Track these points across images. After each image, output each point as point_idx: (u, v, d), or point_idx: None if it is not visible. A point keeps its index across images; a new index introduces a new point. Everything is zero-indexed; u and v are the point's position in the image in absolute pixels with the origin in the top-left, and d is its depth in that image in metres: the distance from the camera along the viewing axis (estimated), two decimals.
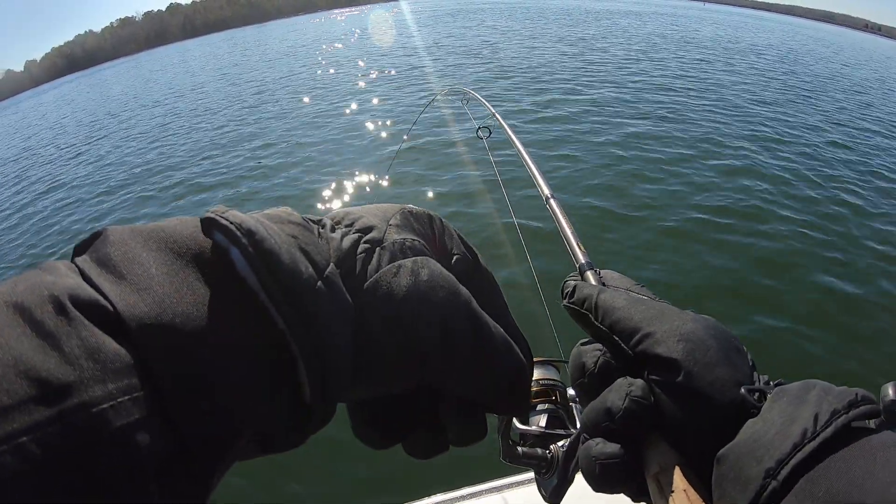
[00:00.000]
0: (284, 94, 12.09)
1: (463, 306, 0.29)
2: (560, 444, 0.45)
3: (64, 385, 0.17)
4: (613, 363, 0.33)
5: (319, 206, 5.64)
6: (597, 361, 0.33)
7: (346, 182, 6.03)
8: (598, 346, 0.34)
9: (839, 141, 7.27)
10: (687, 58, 14.12)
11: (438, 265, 0.29)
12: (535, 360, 0.36)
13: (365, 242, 0.28)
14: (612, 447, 0.30)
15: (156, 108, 13.88)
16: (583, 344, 0.35)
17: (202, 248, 0.23)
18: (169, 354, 0.20)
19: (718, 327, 0.31)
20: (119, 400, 0.18)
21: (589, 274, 0.42)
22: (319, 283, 0.24)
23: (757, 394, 0.28)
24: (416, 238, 0.30)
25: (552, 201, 0.61)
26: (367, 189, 5.92)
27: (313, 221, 0.29)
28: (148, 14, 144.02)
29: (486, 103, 1.33)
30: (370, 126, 8.18)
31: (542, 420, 0.48)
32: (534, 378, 0.49)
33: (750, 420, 0.27)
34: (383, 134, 7.78)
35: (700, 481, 0.28)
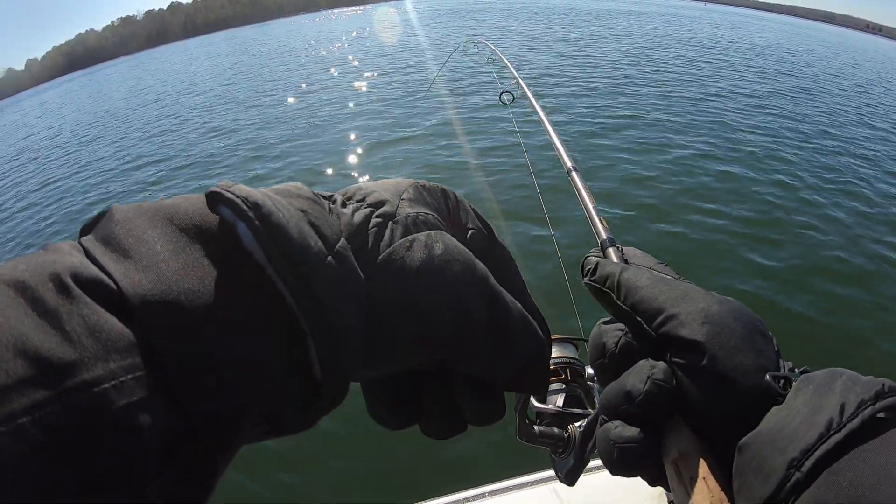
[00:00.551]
0: (320, 76, 12.08)
1: (480, 281, 0.28)
2: (577, 424, 0.44)
3: (65, 364, 0.16)
4: (635, 344, 0.32)
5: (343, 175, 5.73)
6: (618, 342, 0.32)
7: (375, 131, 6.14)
8: (620, 325, 0.33)
9: None
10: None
11: (453, 239, 0.28)
12: (552, 337, 0.35)
13: (377, 217, 0.27)
14: (632, 431, 0.30)
15: (188, 97, 13.84)
16: (604, 323, 0.34)
17: (209, 223, 0.23)
18: (174, 332, 0.19)
19: (744, 310, 0.30)
20: (122, 379, 0.17)
21: (611, 250, 0.41)
22: (329, 257, 0.24)
23: (782, 381, 0.27)
24: (429, 212, 0.30)
25: (574, 174, 0.59)
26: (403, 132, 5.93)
27: (324, 197, 0.28)
28: (149, 13, 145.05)
29: (511, 67, 1.29)
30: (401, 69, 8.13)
31: (560, 399, 0.47)
32: (552, 356, 0.48)
33: (774, 408, 0.27)
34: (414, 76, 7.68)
35: (720, 469, 0.28)
